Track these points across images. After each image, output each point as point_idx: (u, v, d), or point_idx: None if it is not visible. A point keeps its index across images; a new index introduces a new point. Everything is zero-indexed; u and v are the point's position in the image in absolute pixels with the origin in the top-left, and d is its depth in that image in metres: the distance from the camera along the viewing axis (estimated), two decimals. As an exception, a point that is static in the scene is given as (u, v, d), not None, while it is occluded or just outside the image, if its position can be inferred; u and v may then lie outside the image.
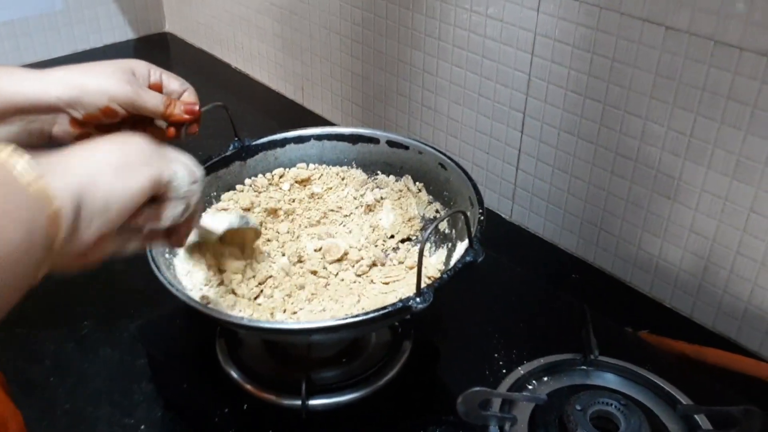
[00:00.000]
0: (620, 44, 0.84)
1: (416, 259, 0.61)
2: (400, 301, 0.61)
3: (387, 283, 0.78)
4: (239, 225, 0.76)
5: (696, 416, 0.68)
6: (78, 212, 0.45)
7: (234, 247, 0.78)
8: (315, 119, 1.36)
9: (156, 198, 0.54)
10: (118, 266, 0.98)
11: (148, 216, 0.54)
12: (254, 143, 0.85)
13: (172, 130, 0.74)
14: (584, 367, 0.75)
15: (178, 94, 0.74)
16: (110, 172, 0.49)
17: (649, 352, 0.80)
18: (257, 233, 0.80)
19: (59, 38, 1.56)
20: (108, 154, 0.50)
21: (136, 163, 0.51)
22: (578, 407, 0.67)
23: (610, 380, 0.73)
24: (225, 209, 0.83)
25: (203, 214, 0.74)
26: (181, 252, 0.76)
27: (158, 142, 0.55)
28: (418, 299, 0.61)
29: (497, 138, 1.04)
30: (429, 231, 0.61)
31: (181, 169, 0.55)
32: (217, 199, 0.84)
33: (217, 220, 0.75)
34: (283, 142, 0.87)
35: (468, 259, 0.66)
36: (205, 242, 0.76)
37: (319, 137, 0.87)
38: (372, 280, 0.79)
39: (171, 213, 0.56)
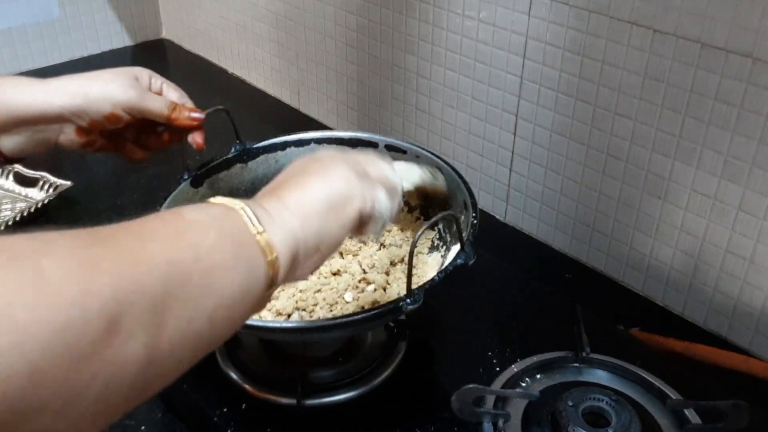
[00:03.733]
0: (609, 47, 0.85)
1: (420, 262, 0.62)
2: (391, 302, 0.63)
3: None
4: (430, 181, 0.75)
5: (685, 410, 0.69)
6: (295, 257, 0.48)
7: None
8: (311, 123, 1.38)
9: (362, 221, 0.56)
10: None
11: (355, 231, 0.57)
12: (255, 146, 0.87)
13: (166, 135, 0.75)
14: (576, 365, 0.76)
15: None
16: (321, 213, 0.51)
17: (639, 349, 0.81)
18: (444, 190, 0.79)
19: (57, 46, 1.58)
20: (318, 193, 0.52)
21: (343, 199, 0.53)
22: (570, 403, 0.68)
23: (601, 377, 0.75)
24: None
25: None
26: None
27: (359, 167, 0.57)
28: (408, 300, 0.62)
29: (490, 140, 1.05)
30: (419, 234, 0.62)
31: (383, 193, 0.58)
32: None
33: (406, 169, 0.74)
34: (284, 146, 0.88)
35: (459, 261, 0.67)
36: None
37: (319, 141, 0.88)
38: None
39: (373, 230, 0.58)
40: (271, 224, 0.46)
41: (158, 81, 0.74)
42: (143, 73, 0.72)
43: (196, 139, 0.75)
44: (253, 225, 0.45)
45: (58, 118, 0.67)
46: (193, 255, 0.40)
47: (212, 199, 0.48)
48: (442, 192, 0.79)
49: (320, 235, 0.51)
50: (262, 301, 0.46)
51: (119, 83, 0.68)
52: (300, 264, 0.49)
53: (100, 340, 0.33)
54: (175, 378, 0.40)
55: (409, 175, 0.73)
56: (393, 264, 0.82)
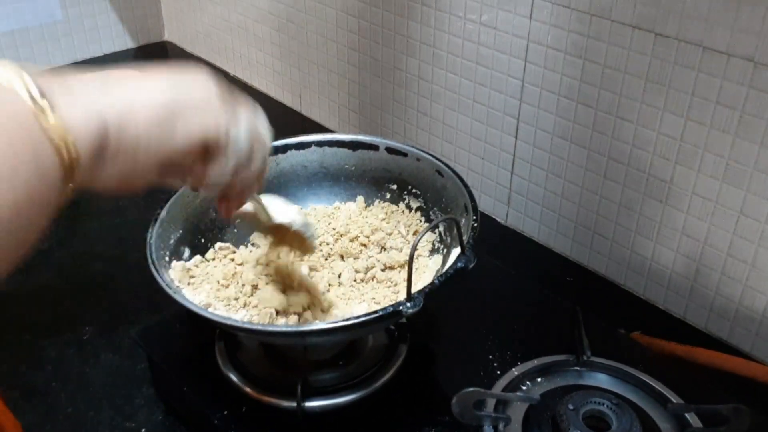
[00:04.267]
0: (611, 51, 0.85)
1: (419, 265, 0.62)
2: (391, 305, 0.63)
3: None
4: (298, 229, 0.71)
5: (686, 414, 0.69)
6: (103, 147, 0.39)
7: (282, 246, 0.74)
8: (313, 126, 1.38)
9: (208, 150, 0.46)
10: (119, 271, 1.00)
11: (192, 168, 0.47)
12: None
13: None
14: (577, 368, 0.76)
15: None
16: (153, 113, 0.41)
17: (640, 352, 0.81)
18: (310, 250, 0.76)
19: (59, 48, 1.58)
20: (159, 90, 0.42)
21: (190, 109, 0.43)
22: (571, 407, 0.68)
23: (602, 380, 0.75)
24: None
25: (274, 196, 0.69)
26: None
27: (229, 94, 0.47)
28: (408, 304, 0.62)
29: (492, 143, 1.05)
30: (419, 238, 0.62)
31: (245, 122, 0.48)
32: None
33: (280, 208, 0.70)
34: (284, 148, 0.88)
35: (459, 265, 0.67)
36: (252, 220, 0.71)
37: (320, 143, 0.88)
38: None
39: (217, 174, 0.48)
40: (68, 102, 0.37)
41: None
42: None
43: None
44: (36, 102, 0.36)
45: None
46: None
47: None
48: (304, 243, 0.74)
49: (146, 136, 0.40)
50: (56, 203, 0.38)
51: None
52: (107, 162, 0.40)
53: None
54: None
55: (282, 210, 0.70)
56: (392, 268, 0.82)
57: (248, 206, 0.67)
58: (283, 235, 0.74)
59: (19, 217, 0.35)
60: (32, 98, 0.36)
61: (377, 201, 0.89)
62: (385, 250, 0.85)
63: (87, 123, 0.38)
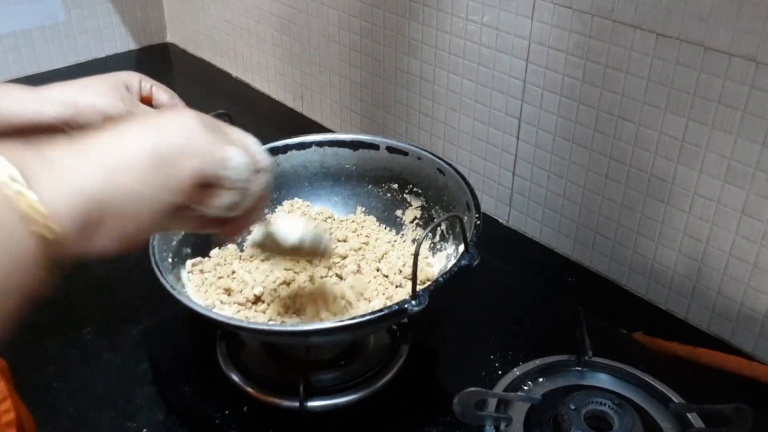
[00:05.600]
0: (613, 51, 0.85)
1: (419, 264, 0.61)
2: (396, 303, 0.63)
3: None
4: (311, 244, 0.69)
5: (688, 415, 0.69)
6: (92, 220, 0.39)
7: (295, 258, 0.72)
8: (315, 127, 1.38)
9: (206, 185, 0.46)
10: (120, 272, 1.00)
11: (194, 199, 0.46)
12: None
13: None
14: (578, 368, 0.76)
15: (167, 107, 0.75)
16: (138, 170, 0.40)
17: (642, 352, 0.81)
18: (327, 256, 0.74)
19: (62, 49, 1.58)
20: (140, 144, 0.41)
21: (176, 153, 0.42)
22: (572, 407, 0.68)
23: (603, 380, 0.74)
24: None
25: (279, 214, 0.68)
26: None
27: (214, 123, 0.46)
28: (413, 302, 0.62)
29: (494, 144, 1.05)
30: (423, 236, 0.62)
31: (238, 154, 0.47)
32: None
33: (289, 226, 0.68)
34: (285, 149, 0.88)
35: (463, 262, 0.67)
36: (265, 249, 0.69)
37: (320, 143, 0.88)
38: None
39: (219, 204, 0.47)
40: (48, 177, 0.36)
41: (147, 84, 0.74)
42: (133, 79, 0.72)
43: None
44: (13, 182, 0.35)
45: (50, 128, 0.67)
46: None
47: None
48: (320, 254, 0.72)
49: (137, 194, 0.40)
50: (39, 283, 0.37)
51: (109, 96, 0.68)
52: (100, 230, 0.39)
53: None
54: None
55: (291, 228, 0.67)
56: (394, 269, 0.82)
57: (256, 232, 0.67)
58: (298, 253, 0.72)
59: None
60: (12, 180, 0.35)
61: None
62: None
63: (70, 199, 0.37)
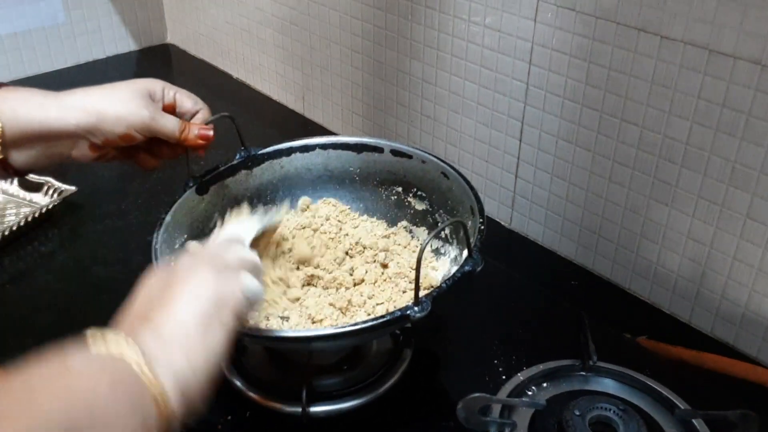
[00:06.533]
0: (616, 53, 0.85)
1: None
2: (399, 310, 0.62)
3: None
4: (265, 226, 0.74)
5: (693, 420, 0.69)
6: (186, 394, 0.47)
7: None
8: (316, 129, 1.37)
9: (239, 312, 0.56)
10: (122, 275, 1.00)
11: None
12: (260, 152, 0.86)
13: (179, 149, 0.75)
14: (583, 373, 0.76)
15: (191, 113, 0.75)
16: (200, 332, 0.50)
17: (647, 357, 0.80)
18: (275, 227, 0.79)
19: (62, 50, 1.58)
20: (190, 310, 0.51)
21: (215, 306, 0.52)
22: (577, 412, 0.67)
23: (608, 385, 0.74)
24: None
25: (227, 224, 0.74)
26: None
27: (216, 261, 0.57)
28: (416, 308, 0.62)
29: (496, 146, 1.05)
30: (427, 241, 0.61)
31: (248, 277, 0.57)
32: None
33: (242, 228, 0.72)
34: (288, 151, 0.88)
35: (467, 268, 0.66)
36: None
37: (324, 146, 0.88)
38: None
39: (253, 315, 0.59)
40: (159, 368, 0.46)
41: (171, 92, 0.74)
42: (156, 86, 0.72)
43: (198, 151, 0.76)
44: (144, 374, 0.44)
45: (72, 135, 0.67)
46: (87, 412, 0.40)
47: (90, 333, 0.47)
48: (274, 227, 0.79)
49: (207, 355, 0.50)
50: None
51: (134, 104, 0.68)
52: (191, 394, 0.48)
53: None
54: None
55: (250, 227, 0.72)
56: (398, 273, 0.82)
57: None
58: (269, 242, 0.77)
59: None
60: (141, 371, 0.44)
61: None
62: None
63: (175, 387, 0.46)
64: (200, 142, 0.73)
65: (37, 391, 0.40)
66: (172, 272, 0.55)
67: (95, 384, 0.42)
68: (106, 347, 0.45)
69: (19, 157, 0.68)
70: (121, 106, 0.67)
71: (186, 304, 0.51)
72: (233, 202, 0.85)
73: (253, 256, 0.61)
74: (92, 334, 0.47)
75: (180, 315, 0.51)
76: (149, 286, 0.55)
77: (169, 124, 0.71)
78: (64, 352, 0.45)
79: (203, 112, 0.76)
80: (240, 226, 0.72)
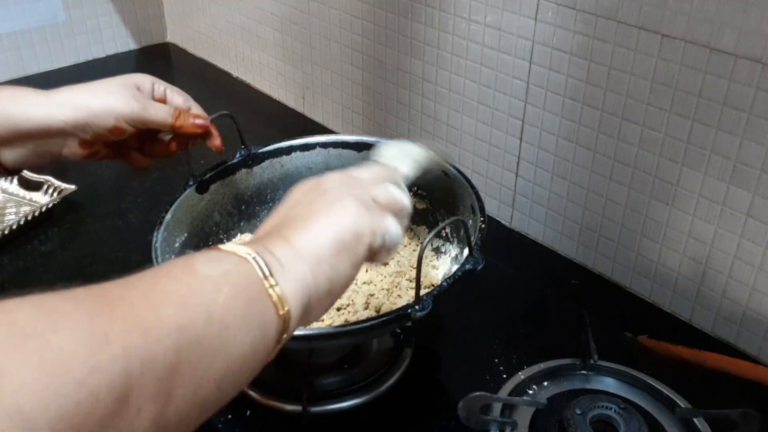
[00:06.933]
0: (617, 52, 0.85)
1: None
2: (399, 308, 0.62)
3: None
4: (425, 166, 0.69)
5: (695, 419, 0.69)
6: (306, 306, 0.47)
7: None
8: (316, 128, 1.37)
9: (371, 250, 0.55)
10: (122, 273, 1.00)
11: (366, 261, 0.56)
12: (261, 151, 0.86)
13: (174, 144, 0.75)
14: (584, 372, 0.75)
15: (183, 110, 0.75)
16: (332, 257, 0.49)
17: (647, 356, 0.80)
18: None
19: (62, 49, 1.58)
20: (328, 235, 0.50)
21: (353, 237, 0.51)
22: (578, 411, 0.67)
23: (609, 384, 0.74)
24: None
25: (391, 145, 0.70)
26: None
27: (366, 195, 0.55)
28: (416, 307, 0.62)
29: (496, 145, 1.05)
30: (428, 240, 0.61)
31: (394, 224, 0.55)
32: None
33: (405, 153, 0.69)
34: (289, 150, 0.88)
35: (467, 267, 0.66)
36: None
37: (324, 145, 0.88)
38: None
39: (384, 259, 0.56)
40: (283, 276, 0.45)
41: (161, 87, 0.73)
42: (145, 81, 0.72)
43: (213, 142, 0.75)
44: (266, 279, 0.44)
45: (61, 132, 0.67)
46: (204, 316, 0.39)
47: (223, 246, 0.46)
48: (438, 165, 0.75)
49: (331, 279, 0.49)
50: (270, 355, 0.45)
51: (121, 95, 0.68)
52: (312, 311, 0.48)
53: (109, 418, 0.32)
54: None
55: (409, 156, 0.69)
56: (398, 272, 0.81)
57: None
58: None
59: (243, 368, 0.42)
60: (263, 276, 0.44)
61: None
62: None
63: (296, 293, 0.46)
64: (195, 129, 0.72)
65: (157, 297, 0.39)
66: (317, 190, 0.54)
67: (217, 287, 0.41)
68: (235, 250, 0.45)
69: (9, 155, 0.68)
70: (109, 98, 0.67)
71: (325, 226, 0.50)
72: (234, 201, 0.85)
73: (402, 197, 0.58)
74: (225, 246, 0.47)
75: (316, 235, 0.50)
76: (292, 200, 0.54)
77: (161, 112, 0.70)
78: (194, 255, 0.45)
79: (195, 108, 0.75)
80: (403, 150, 0.69)
